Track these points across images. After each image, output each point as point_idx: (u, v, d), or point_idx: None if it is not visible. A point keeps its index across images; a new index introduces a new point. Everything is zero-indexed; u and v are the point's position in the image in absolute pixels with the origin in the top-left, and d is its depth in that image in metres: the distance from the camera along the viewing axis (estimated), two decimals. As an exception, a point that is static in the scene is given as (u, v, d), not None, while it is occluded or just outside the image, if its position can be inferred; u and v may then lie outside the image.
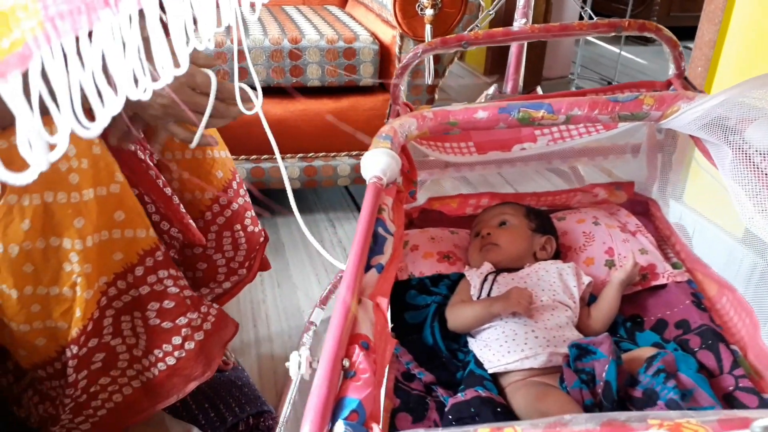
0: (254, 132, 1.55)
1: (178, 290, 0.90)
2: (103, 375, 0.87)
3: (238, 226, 1.07)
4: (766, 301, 0.90)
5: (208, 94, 0.79)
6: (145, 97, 0.36)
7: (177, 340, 0.91)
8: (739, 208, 0.86)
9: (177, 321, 0.90)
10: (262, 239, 1.14)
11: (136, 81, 0.35)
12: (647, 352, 0.92)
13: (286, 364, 0.53)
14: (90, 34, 0.32)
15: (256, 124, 1.45)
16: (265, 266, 1.19)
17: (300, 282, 1.47)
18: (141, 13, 0.34)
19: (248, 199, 1.11)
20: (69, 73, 0.31)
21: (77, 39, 0.31)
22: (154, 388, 0.92)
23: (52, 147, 0.31)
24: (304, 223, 0.70)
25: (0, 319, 0.80)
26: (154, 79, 0.36)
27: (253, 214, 1.12)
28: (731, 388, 0.88)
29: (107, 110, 0.33)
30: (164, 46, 0.36)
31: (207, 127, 0.83)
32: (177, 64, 0.38)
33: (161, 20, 0.36)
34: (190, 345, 0.91)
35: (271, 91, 1.58)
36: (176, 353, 0.91)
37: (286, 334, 1.31)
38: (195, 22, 0.39)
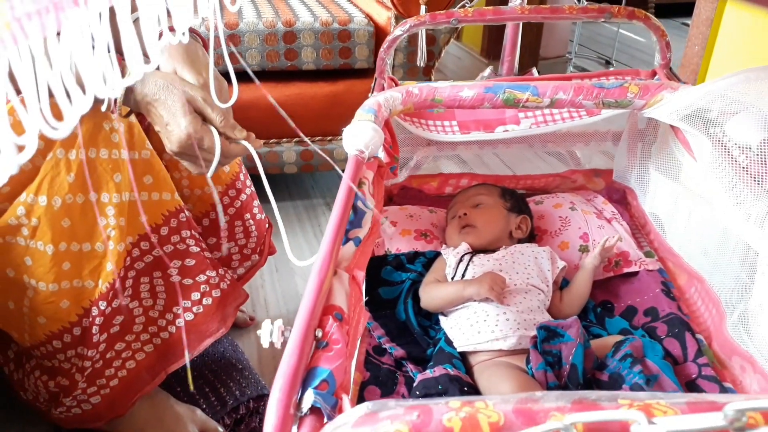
0: (251, 116, 1.53)
1: (198, 249, 0.94)
2: (119, 340, 0.90)
3: (248, 215, 1.11)
4: (733, 293, 0.92)
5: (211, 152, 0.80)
6: (114, 95, 0.36)
7: (196, 295, 0.95)
8: (715, 200, 0.87)
9: (197, 278, 0.94)
10: (267, 225, 1.18)
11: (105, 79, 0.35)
12: (615, 338, 0.93)
13: (258, 332, 0.53)
14: (58, 34, 0.31)
15: (253, 108, 1.43)
16: (271, 251, 1.23)
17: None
18: (111, 9, 0.33)
19: (253, 189, 1.14)
20: (36, 74, 0.30)
21: (45, 39, 0.31)
22: (169, 348, 0.95)
23: (21, 148, 0.30)
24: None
25: (24, 289, 0.82)
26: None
27: (259, 203, 1.16)
28: (694, 375, 0.90)
29: (75, 109, 0.32)
30: (135, 42, 0.35)
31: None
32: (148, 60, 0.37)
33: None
34: (207, 301, 0.95)
35: (265, 75, 1.56)
36: (194, 308, 0.95)
37: (284, 318, 1.30)
38: (169, 13, 0.38)
